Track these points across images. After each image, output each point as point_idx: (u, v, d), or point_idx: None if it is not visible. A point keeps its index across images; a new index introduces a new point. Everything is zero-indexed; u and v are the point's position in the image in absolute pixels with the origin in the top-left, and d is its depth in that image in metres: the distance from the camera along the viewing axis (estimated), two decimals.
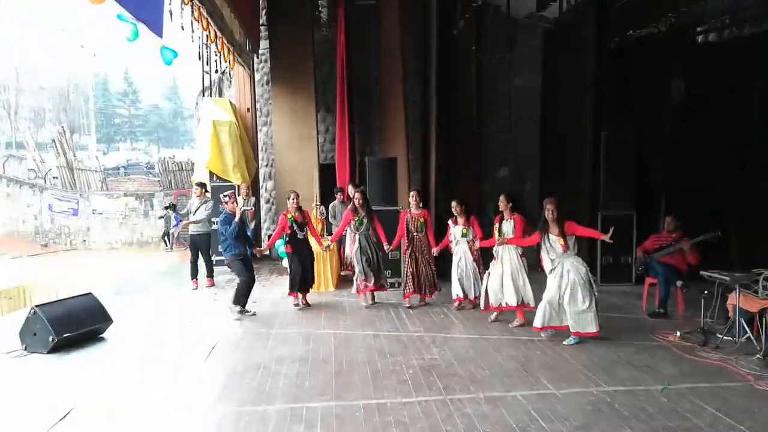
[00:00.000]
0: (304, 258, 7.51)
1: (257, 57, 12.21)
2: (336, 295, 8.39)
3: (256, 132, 12.13)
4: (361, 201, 7.60)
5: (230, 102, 11.62)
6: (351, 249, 7.97)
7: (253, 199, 10.31)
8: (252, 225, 9.82)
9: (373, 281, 7.58)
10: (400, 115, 9.67)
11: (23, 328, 5.82)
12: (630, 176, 8.98)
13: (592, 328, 5.77)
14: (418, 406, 4.33)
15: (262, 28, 11.54)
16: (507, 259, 6.63)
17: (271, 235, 8.32)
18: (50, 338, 5.69)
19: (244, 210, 7.18)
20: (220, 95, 14.20)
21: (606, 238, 5.87)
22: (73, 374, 5.18)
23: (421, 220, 7.50)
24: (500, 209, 6.70)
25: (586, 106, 9.04)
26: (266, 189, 12.77)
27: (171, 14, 6.89)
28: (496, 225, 6.66)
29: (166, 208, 9.88)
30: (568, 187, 9.56)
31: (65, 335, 5.79)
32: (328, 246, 8.03)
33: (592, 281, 5.88)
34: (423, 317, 7.04)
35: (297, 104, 10.98)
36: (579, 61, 9.16)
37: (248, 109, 11.88)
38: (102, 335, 6.31)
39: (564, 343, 5.83)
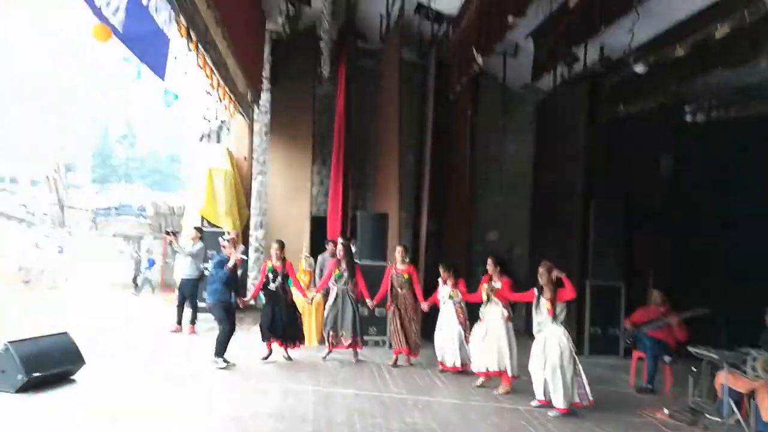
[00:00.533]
0: (277, 308, 7.27)
1: (258, 107, 12.43)
2: (319, 350, 8.17)
3: (251, 181, 12.20)
4: (343, 253, 7.50)
5: (227, 150, 11.74)
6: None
7: (242, 247, 10.18)
8: (239, 272, 9.71)
9: (343, 339, 7.43)
10: (394, 172, 9.78)
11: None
12: (619, 247, 9.05)
13: (560, 404, 5.62)
14: None
15: (264, 80, 11.81)
16: (492, 320, 6.52)
17: (255, 284, 8.22)
18: (19, 377, 5.46)
19: (242, 259, 7.15)
20: (218, 142, 14.36)
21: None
22: (38, 416, 4.94)
23: (406, 275, 7.44)
24: (488, 272, 6.66)
25: (577, 175, 9.20)
26: (256, 238, 12.68)
27: (176, 58, 7.04)
28: (484, 285, 6.60)
29: (168, 233, 9.83)
30: (557, 254, 9.51)
31: (35, 374, 5.56)
32: (313, 298, 7.90)
33: (573, 353, 5.72)
34: (406, 378, 6.87)
35: (293, 155, 11.10)
36: (571, 131, 9.40)
37: (245, 158, 11.98)
38: (73, 377, 6.07)
39: (549, 414, 5.67)
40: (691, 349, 5.89)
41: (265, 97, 11.96)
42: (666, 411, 5.87)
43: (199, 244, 9.07)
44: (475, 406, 5.89)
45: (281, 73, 11.37)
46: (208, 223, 10.49)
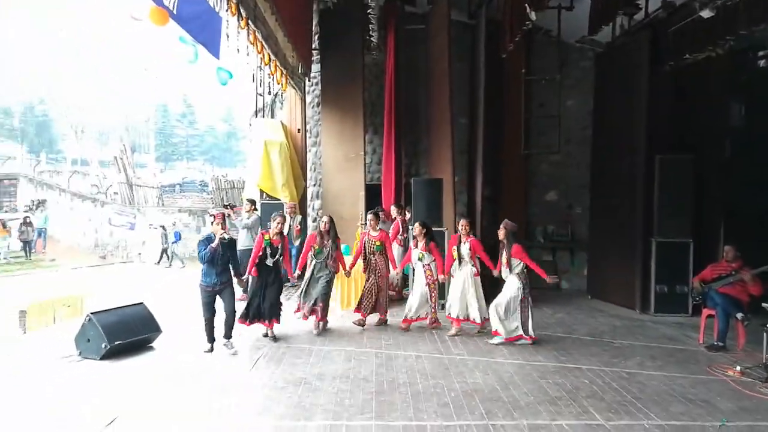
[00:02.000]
0: (267, 285, 6.74)
1: (308, 80, 12.52)
2: (371, 317, 8.35)
3: (306, 152, 12.38)
4: (327, 227, 7.15)
5: (281, 123, 11.94)
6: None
7: (299, 218, 10.47)
8: (297, 243, 10.00)
9: (309, 309, 7.06)
10: (446, 136, 9.67)
11: (78, 334, 6.07)
12: (687, 202, 8.68)
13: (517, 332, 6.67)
14: (458, 430, 4.24)
15: (314, 51, 11.85)
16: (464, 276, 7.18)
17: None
18: (103, 345, 5.90)
19: (226, 238, 6.19)
20: (272, 117, 14.60)
21: (548, 280, 6.69)
22: (122, 381, 5.34)
23: (378, 242, 7.46)
24: (460, 232, 7.24)
25: (640, 129, 8.80)
26: (313, 208, 12.96)
27: (228, 37, 7.18)
28: (454, 248, 7.21)
29: (226, 206, 10.22)
30: (619, 212, 9.30)
31: (117, 343, 5.99)
32: (349, 273, 7.75)
33: (522, 296, 6.63)
34: (467, 341, 6.93)
35: (345, 125, 11.16)
36: (632, 84, 8.95)
37: (298, 130, 12.16)
38: (151, 344, 6.50)
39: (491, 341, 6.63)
40: (765, 305, 5.64)
41: (315, 68, 12.03)
42: (738, 368, 5.69)
43: (254, 216, 9.35)
44: (537, 366, 5.90)
45: (330, 43, 11.36)
46: (267, 195, 10.79)
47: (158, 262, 23.09)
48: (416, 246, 7.43)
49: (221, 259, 6.21)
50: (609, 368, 5.85)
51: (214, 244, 6.11)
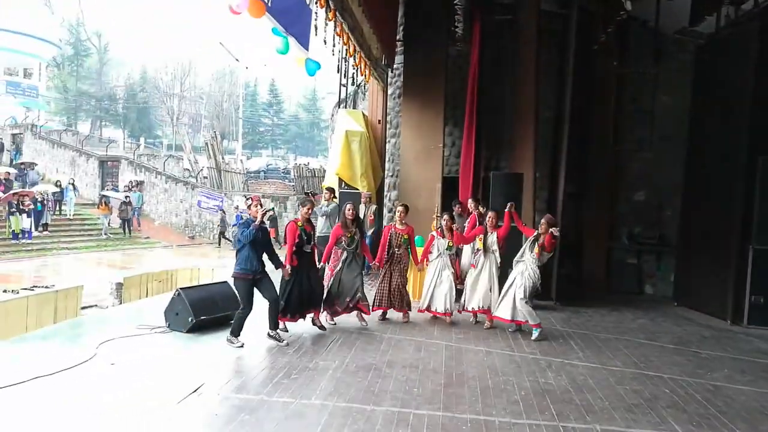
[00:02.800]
0: (308, 276, 6.40)
1: (391, 71, 12.60)
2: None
3: (385, 143, 12.50)
4: (353, 215, 6.85)
5: (363, 113, 12.12)
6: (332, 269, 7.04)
7: (374, 207, 10.60)
8: (370, 232, 10.14)
9: (338, 306, 6.79)
10: (530, 130, 9.44)
11: (168, 308, 6.50)
12: None
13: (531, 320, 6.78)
14: (527, 429, 4.17)
15: (398, 43, 11.90)
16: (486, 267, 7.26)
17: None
18: (190, 319, 6.29)
19: (270, 215, 6.08)
20: (354, 107, 14.85)
21: (507, 207, 7.08)
22: (206, 353, 5.67)
23: (405, 236, 7.25)
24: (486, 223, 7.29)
25: (741, 128, 8.17)
26: (389, 199, 13.08)
27: (316, 29, 7.38)
28: (479, 238, 7.26)
29: (307, 194, 10.60)
30: (715, 216, 8.71)
31: (202, 317, 6.37)
32: (422, 268, 7.75)
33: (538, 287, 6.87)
34: (541, 341, 6.77)
35: (426, 117, 11.14)
36: (736, 80, 8.32)
37: (379, 121, 12.30)
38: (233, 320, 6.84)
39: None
40: None
41: (398, 60, 12.09)
42: None
43: (333, 204, 9.54)
44: (614, 371, 5.67)
45: (414, 34, 11.36)
46: (345, 184, 11.00)
47: (218, 245, 24.12)
48: (442, 236, 7.33)
49: (261, 246, 5.90)
50: (693, 379, 5.52)
51: (257, 222, 5.75)
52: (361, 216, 7.81)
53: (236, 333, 5.87)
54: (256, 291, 5.91)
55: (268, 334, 6.03)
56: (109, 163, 29.96)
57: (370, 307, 7.11)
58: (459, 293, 7.64)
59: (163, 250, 23.04)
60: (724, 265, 8.37)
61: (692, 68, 9.82)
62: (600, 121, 10.43)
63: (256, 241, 5.79)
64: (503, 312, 6.93)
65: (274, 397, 4.56)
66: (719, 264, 8.49)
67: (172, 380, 4.84)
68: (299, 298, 6.30)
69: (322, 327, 6.67)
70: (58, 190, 24.99)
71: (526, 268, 6.82)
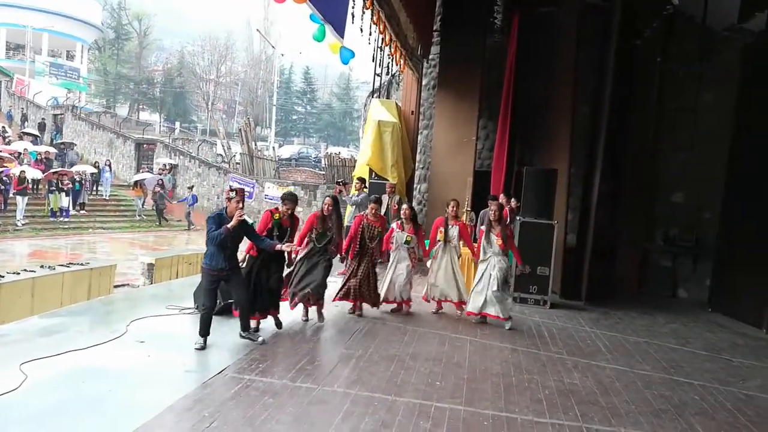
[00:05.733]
0: (267, 273, 5.87)
1: (426, 62, 12.50)
2: None
3: (417, 134, 12.43)
4: (330, 209, 6.39)
5: (396, 104, 12.06)
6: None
7: (397, 197, 10.52)
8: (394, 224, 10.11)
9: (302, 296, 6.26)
10: (566, 125, 9.24)
11: (197, 290, 6.58)
12: None
13: (501, 313, 6.86)
14: (550, 428, 4.11)
15: (434, 33, 11.79)
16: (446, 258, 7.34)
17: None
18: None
19: (246, 221, 5.40)
20: (388, 97, 14.81)
21: (520, 268, 7.39)
22: (232, 336, 5.68)
23: (378, 228, 6.93)
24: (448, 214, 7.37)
25: None
26: (419, 191, 13.02)
27: (353, 17, 7.35)
28: (441, 229, 7.31)
29: (338, 183, 10.65)
30: (759, 221, 8.39)
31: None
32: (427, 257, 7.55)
33: (508, 279, 7.13)
34: (567, 339, 6.67)
35: (460, 109, 11.03)
36: None
37: (412, 112, 12.23)
38: None
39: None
40: None
41: (434, 50, 11.98)
42: None
43: (363, 194, 9.54)
44: (642, 375, 5.54)
45: (451, 25, 11.24)
46: (376, 174, 10.98)
47: None
48: (402, 229, 7.17)
49: (232, 242, 5.36)
50: (724, 387, 5.36)
51: (230, 225, 5.19)
52: (384, 207, 7.73)
53: (202, 332, 5.25)
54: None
55: (240, 335, 5.52)
56: (145, 145, 30.56)
57: (335, 298, 6.81)
58: None
59: (195, 233, 23.45)
60: (765, 272, 8.08)
61: (739, 66, 9.45)
62: (639, 118, 10.15)
63: (225, 242, 5.26)
64: (473, 306, 7.03)
65: (297, 382, 4.59)
66: (759, 270, 8.18)
67: (199, 361, 4.92)
68: (253, 295, 5.76)
69: (278, 324, 5.99)
70: (95, 170, 25.64)
71: (497, 262, 6.90)
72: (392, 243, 7.24)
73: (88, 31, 47.52)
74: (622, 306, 8.89)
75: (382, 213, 7.26)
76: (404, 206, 7.44)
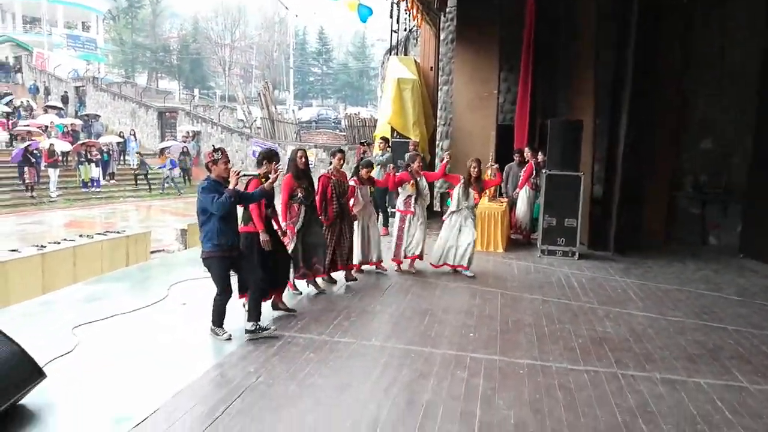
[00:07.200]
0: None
1: (444, 16, 12.22)
2: (504, 257, 8.34)
3: (437, 91, 12.27)
4: (304, 165, 5.80)
5: (415, 60, 11.88)
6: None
7: (420, 155, 10.49)
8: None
9: (318, 262, 5.98)
10: (589, 74, 9.01)
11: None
12: None
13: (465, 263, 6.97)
14: (585, 375, 4.21)
15: None
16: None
17: (444, 193, 8.04)
18: None
19: (244, 174, 4.88)
20: (406, 54, 14.57)
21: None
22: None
23: (346, 184, 6.40)
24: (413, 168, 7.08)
25: None
26: (442, 148, 12.95)
27: None
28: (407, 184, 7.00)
29: (362, 143, 10.67)
30: None
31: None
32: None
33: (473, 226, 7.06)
34: (597, 289, 6.71)
35: (479, 63, 10.81)
36: None
37: (431, 68, 12.04)
38: None
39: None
40: None
41: (451, 3, 11.70)
42: None
43: (388, 154, 9.51)
44: (674, 321, 5.58)
45: None
46: (398, 133, 10.93)
47: None
48: (361, 185, 6.70)
49: (235, 209, 4.70)
50: (759, 331, 5.38)
51: (231, 186, 4.47)
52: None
53: (218, 323, 4.73)
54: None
55: (246, 331, 4.72)
56: (167, 114, 30.75)
57: (323, 273, 6.16)
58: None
59: None
60: None
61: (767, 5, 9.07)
62: (665, 64, 9.84)
63: (230, 209, 4.57)
64: (450, 259, 7.08)
65: (336, 337, 4.76)
66: None
67: (241, 320, 5.11)
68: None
69: (288, 309, 5.41)
70: (121, 140, 25.98)
71: (468, 215, 6.97)
72: (357, 200, 6.66)
73: (102, 0, 47.32)
74: (651, 255, 8.85)
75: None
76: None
